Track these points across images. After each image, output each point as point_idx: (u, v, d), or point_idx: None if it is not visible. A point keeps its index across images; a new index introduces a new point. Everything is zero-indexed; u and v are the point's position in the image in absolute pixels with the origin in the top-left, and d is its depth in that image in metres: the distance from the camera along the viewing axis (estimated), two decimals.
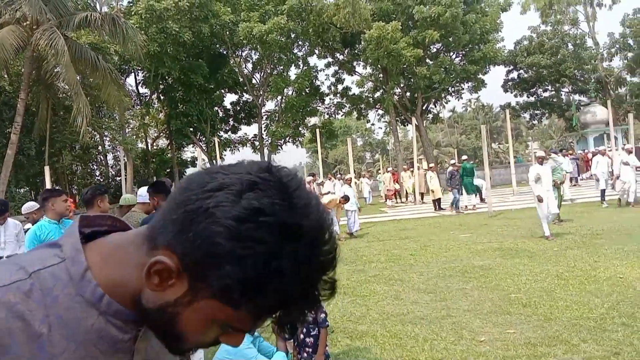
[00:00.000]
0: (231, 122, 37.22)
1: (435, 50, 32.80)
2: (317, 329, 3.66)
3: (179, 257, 0.66)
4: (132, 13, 26.32)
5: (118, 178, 29.30)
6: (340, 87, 35.92)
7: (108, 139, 30.09)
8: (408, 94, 34.18)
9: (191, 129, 32.64)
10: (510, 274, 7.27)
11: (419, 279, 7.56)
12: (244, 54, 34.30)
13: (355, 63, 34.77)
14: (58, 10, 18.83)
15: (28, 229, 6.05)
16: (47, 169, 12.91)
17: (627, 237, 9.34)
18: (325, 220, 0.68)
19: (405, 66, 29.94)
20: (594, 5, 40.83)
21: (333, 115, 38.27)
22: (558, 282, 6.60)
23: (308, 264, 0.65)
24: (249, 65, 35.10)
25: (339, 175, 26.35)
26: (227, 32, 30.31)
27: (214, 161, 32.22)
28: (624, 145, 22.52)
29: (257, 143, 35.58)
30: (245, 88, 34.56)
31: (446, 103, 38.55)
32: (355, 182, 22.39)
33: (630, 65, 37.84)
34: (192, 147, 36.03)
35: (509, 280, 6.92)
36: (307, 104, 33.25)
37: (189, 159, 37.87)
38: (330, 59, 34.96)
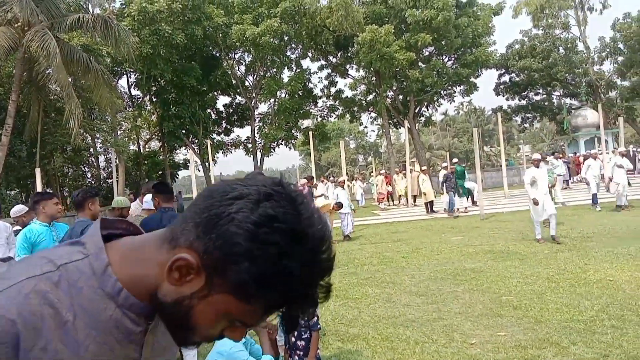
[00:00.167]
0: (224, 125, 37.17)
1: (427, 53, 32.94)
2: (308, 331, 3.66)
3: (199, 256, 0.74)
4: (125, 15, 26.25)
5: (110, 180, 29.12)
6: (333, 89, 36.03)
7: (100, 141, 29.90)
8: (401, 96, 34.29)
9: (183, 131, 32.57)
10: (502, 277, 7.30)
11: (411, 281, 7.58)
12: (237, 57, 34.30)
13: (348, 66, 34.86)
14: (50, 12, 18.73)
15: (18, 232, 6.02)
16: (38, 171, 12.78)
17: (617, 240, 9.41)
18: (326, 230, 0.77)
19: (397, 69, 30.06)
20: (585, 10, 41.11)
21: (326, 118, 38.35)
22: (549, 285, 6.64)
23: (312, 266, 0.74)
24: (242, 68, 35.11)
25: (331, 178, 26.38)
26: (220, 35, 30.30)
27: (206, 163, 32.17)
28: (615, 148, 22.71)
29: (249, 145, 35.54)
30: (238, 90, 34.54)
31: (438, 106, 38.72)
32: (348, 185, 22.41)
33: (621, 69, 38.14)
34: (185, 149, 35.94)
35: (500, 283, 6.95)
36: (300, 107, 33.27)
37: (181, 161, 37.76)
38: (323, 62, 35.05)
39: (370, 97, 34.85)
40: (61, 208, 5.24)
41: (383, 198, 23.40)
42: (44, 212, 4.88)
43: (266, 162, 44.90)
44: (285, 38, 30.89)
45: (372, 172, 39.04)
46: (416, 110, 34.69)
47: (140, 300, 0.79)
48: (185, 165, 37.01)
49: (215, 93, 34.59)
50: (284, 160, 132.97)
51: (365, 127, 66.09)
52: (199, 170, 35.25)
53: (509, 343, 4.68)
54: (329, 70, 35.57)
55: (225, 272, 0.73)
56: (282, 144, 35.89)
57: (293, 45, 32.87)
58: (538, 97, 43.19)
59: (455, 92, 35.78)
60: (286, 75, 34.01)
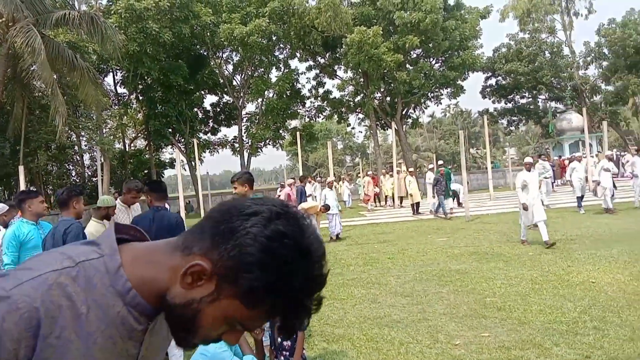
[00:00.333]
0: (211, 124, 36.99)
1: (415, 55, 33.09)
2: None
3: (213, 263, 0.82)
4: (112, 12, 26.00)
5: (94, 179, 28.85)
6: (321, 90, 36.03)
7: (85, 139, 29.60)
8: (388, 98, 34.41)
9: (170, 130, 32.35)
10: (486, 278, 7.36)
11: (396, 282, 7.61)
12: (224, 56, 34.14)
13: (336, 67, 34.89)
14: (35, 8, 18.48)
15: None
16: (21, 169, 12.57)
17: (600, 243, 9.53)
18: (324, 249, 0.87)
19: (385, 71, 30.15)
20: (571, 15, 41.65)
21: (314, 119, 38.32)
22: (532, 287, 6.70)
23: (312, 279, 0.84)
24: (230, 67, 34.95)
25: (318, 178, 26.40)
26: (208, 33, 30.16)
27: (192, 162, 32.00)
28: (599, 151, 23.01)
29: (236, 145, 35.41)
30: (225, 90, 34.39)
31: (425, 108, 39.02)
32: (335, 186, 22.41)
33: (605, 74, 38.65)
34: (171, 148, 35.64)
35: (484, 284, 7.00)
36: (287, 107, 33.23)
37: (167, 160, 37.51)
38: (311, 63, 35.07)
39: (358, 98, 34.91)
40: (46, 206, 5.22)
41: (369, 199, 23.45)
42: (30, 210, 4.91)
43: (253, 162, 44.89)
44: (274, 38, 30.83)
45: (359, 173, 39.15)
46: (403, 112, 34.83)
47: (146, 301, 0.85)
48: (172, 164, 36.74)
49: (203, 92, 34.39)
50: (271, 160, 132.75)
51: (353, 128, 66.41)
52: (185, 170, 35.07)
53: (492, 344, 4.71)
54: (317, 71, 35.59)
55: (237, 279, 0.81)
56: (269, 144, 35.80)
57: (281, 45, 32.82)
58: (524, 101, 43.62)
59: (442, 94, 35.97)
60: (274, 75, 33.99)
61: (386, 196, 24.92)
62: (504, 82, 41.85)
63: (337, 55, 33.12)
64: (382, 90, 33.55)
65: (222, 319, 0.85)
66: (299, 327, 0.88)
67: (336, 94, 35.60)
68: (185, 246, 0.86)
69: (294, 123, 38.67)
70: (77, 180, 31.72)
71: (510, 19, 42.03)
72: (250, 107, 36.61)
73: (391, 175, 23.58)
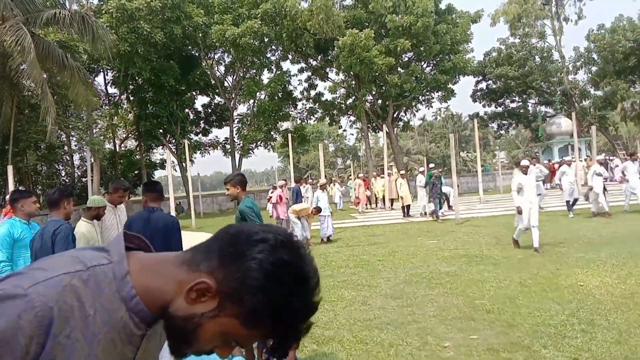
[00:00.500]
0: (202, 125, 36.88)
1: (406, 59, 33.23)
2: None
3: (217, 282, 0.87)
4: (103, 12, 25.85)
5: (84, 179, 28.63)
6: (312, 92, 36.08)
7: (75, 139, 29.35)
8: (380, 101, 34.51)
9: (161, 131, 32.21)
10: (476, 281, 7.39)
11: (387, 284, 7.62)
12: (216, 57, 34.08)
13: (328, 69, 34.96)
14: (25, 6, 18.32)
15: None
16: (10, 169, 12.43)
17: (588, 246, 9.60)
18: (318, 277, 0.93)
19: (377, 74, 30.23)
20: (561, 20, 42.02)
21: (305, 121, 38.33)
22: (521, 289, 6.74)
23: (307, 305, 0.90)
24: (222, 68, 34.89)
25: (310, 180, 26.37)
26: (200, 34, 30.08)
27: (183, 163, 31.88)
28: (588, 156, 23.17)
29: (228, 146, 35.32)
30: (217, 91, 34.32)
31: (417, 111, 39.29)
32: (326, 188, 22.39)
33: (594, 79, 39.02)
34: (162, 149, 35.52)
35: (474, 287, 7.03)
36: (279, 109, 33.21)
37: (157, 161, 37.34)
38: (303, 65, 35.09)
39: (350, 100, 34.98)
40: (38, 207, 5.27)
41: (359, 202, 23.48)
42: (22, 210, 4.98)
43: (245, 164, 44.75)
44: (266, 39, 30.82)
45: (350, 175, 39.17)
46: (395, 115, 34.95)
47: (149, 309, 0.90)
48: (162, 165, 36.60)
49: (194, 93, 34.29)
50: (262, 161, 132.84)
51: (344, 130, 66.50)
52: (176, 171, 34.90)
53: (481, 346, 4.74)
54: (309, 73, 35.61)
55: (239, 300, 0.86)
56: (261, 146, 35.77)
57: (273, 47, 32.83)
58: (514, 105, 43.92)
59: (433, 97, 36.14)
60: (266, 76, 33.98)
61: (377, 198, 24.97)
62: (494, 86, 42.12)
63: (329, 58, 33.19)
64: (373, 93, 33.64)
65: (219, 334, 0.90)
66: (290, 348, 0.93)
67: (328, 96, 35.71)
68: (192, 262, 0.91)
69: (285, 125, 38.64)
70: (67, 181, 31.46)
71: (501, 23, 42.34)
72: (242, 109, 36.68)
73: (382, 177, 23.63)
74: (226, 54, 33.23)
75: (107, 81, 32.82)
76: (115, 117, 31.15)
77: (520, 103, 43.82)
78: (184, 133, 32.72)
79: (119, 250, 0.93)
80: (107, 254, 0.92)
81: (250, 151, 34.84)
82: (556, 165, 26.40)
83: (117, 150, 34.42)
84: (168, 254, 0.98)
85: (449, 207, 19.02)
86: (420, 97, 34.68)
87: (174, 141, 32.82)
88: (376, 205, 25.09)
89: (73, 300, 0.83)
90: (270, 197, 14.45)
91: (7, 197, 7.81)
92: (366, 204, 24.74)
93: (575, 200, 14.88)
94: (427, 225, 15.42)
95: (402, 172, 22.58)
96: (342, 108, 35.81)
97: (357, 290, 7.39)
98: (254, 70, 33.13)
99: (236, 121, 35.25)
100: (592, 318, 5.34)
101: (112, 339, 0.87)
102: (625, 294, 6.18)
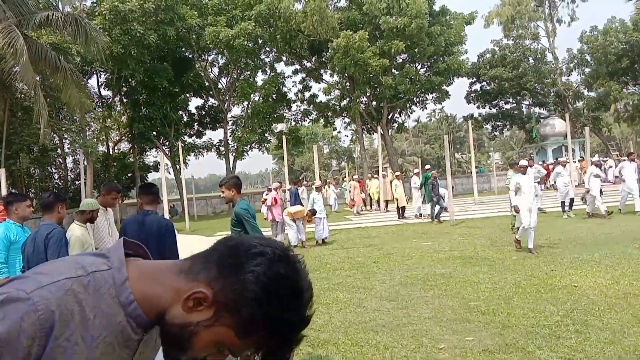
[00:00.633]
0: (196, 127, 36.81)
1: (401, 60, 33.24)
2: None
3: (214, 292, 0.90)
4: (96, 14, 25.80)
5: (77, 182, 28.54)
6: (307, 94, 36.02)
7: (68, 141, 29.23)
8: (374, 102, 34.52)
9: (154, 133, 32.12)
10: (470, 282, 7.40)
11: (382, 286, 7.61)
12: (210, 58, 34.04)
13: (322, 71, 34.92)
14: (18, 9, 18.23)
15: None
16: (2, 172, 12.36)
17: (582, 247, 9.64)
18: (312, 291, 0.96)
19: (371, 75, 30.22)
20: (554, 22, 42.21)
21: (300, 122, 38.31)
22: (516, 290, 6.75)
23: (300, 317, 0.93)
24: (215, 70, 34.87)
25: (304, 182, 26.37)
26: (194, 36, 30.04)
27: (177, 166, 31.79)
28: (582, 157, 23.27)
29: (222, 148, 35.26)
30: (210, 92, 34.27)
31: (411, 113, 39.18)
32: (321, 190, 22.39)
33: (588, 80, 39.15)
34: (155, 151, 35.42)
35: (469, 288, 7.04)
36: (273, 110, 33.19)
37: (151, 164, 37.24)
38: (297, 66, 35.05)
39: (344, 102, 34.96)
40: (32, 210, 5.33)
41: (354, 204, 23.48)
42: (17, 213, 5.07)
43: (239, 166, 44.70)
44: (260, 41, 30.80)
45: (345, 177, 39.18)
46: (389, 117, 34.96)
47: (146, 315, 0.92)
48: (156, 167, 36.48)
49: (188, 95, 34.21)
50: (256, 163, 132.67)
51: (339, 132, 66.21)
52: (170, 173, 34.85)
53: (476, 348, 4.74)
54: (303, 75, 35.58)
55: (235, 310, 0.89)
56: (255, 148, 35.72)
57: (267, 48, 32.80)
58: (508, 106, 44.01)
59: (427, 99, 36.15)
60: (260, 78, 33.96)
61: (371, 199, 24.99)
62: (488, 88, 42.20)
63: (323, 59, 33.16)
64: (368, 94, 33.64)
65: (213, 343, 0.92)
66: (282, 358, 0.97)
67: (322, 97, 35.63)
68: (190, 271, 0.94)
69: (279, 127, 38.64)
70: (60, 184, 31.30)
71: (495, 25, 42.46)
72: (236, 111, 36.68)
73: (376, 178, 23.64)
74: (220, 56, 33.20)
75: (100, 83, 32.79)
76: (109, 120, 31.07)
77: (514, 104, 43.92)
78: (178, 135, 32.62)
79: (118, 256, 0.95)
80: (107, 260, 0.95)
81: (245, 153, 34.78)
82: (550, 166, 26.53)
83: (111, 152, 34.32)
84: (166, 262, 1.00)
85: (444, 208, 19.03)
86: (414, 98, 34.68)
87: (167, 143, 32.73)
88: (371, 207, 25.10)
89: (74, 305, 0.85)
90: (265, 200, 14.43)
91: (1, 199, 7.79)
92: (361, 206, 24.75)
93: (572, 200, 14.93)
94: (422, 227, 15.43)
95: (397, 173, 22.61)
96: (337, 110, 35.77)
97: (352, 293, 7.37)
98: (248, 72, 33.09)
99: (230, 123, 35.21)
100: (586, 319, 5.35)
101: (111, 342, 0.90)
102: (619, 294, 6.20)
